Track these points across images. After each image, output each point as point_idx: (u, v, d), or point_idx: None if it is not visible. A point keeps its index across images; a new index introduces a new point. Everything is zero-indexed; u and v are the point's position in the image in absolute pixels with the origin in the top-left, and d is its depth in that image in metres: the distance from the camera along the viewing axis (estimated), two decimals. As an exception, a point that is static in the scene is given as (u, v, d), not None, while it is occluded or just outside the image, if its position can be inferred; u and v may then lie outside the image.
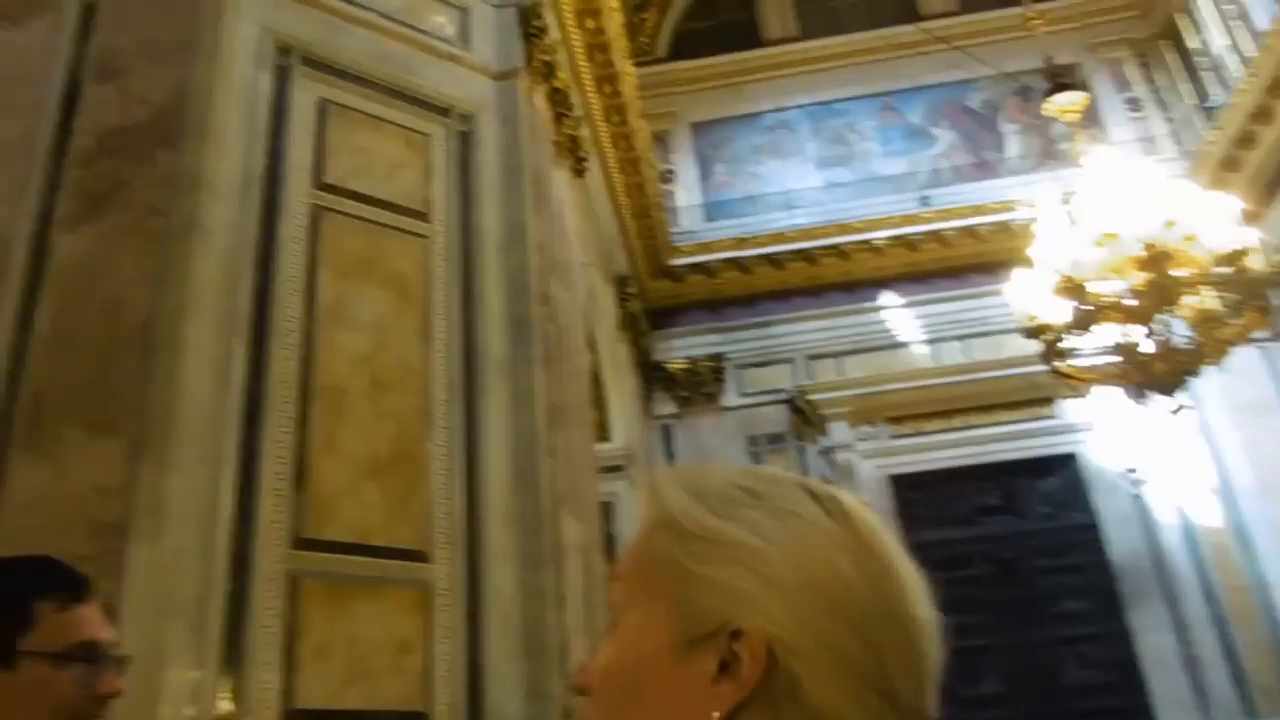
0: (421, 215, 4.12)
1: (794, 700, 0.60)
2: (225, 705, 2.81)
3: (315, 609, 3.13)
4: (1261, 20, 8.40)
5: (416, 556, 3.47)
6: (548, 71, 5.15)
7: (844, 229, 9.76)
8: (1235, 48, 8.96)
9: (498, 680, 3.45)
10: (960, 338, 9.56)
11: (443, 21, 4.64)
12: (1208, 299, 5.65)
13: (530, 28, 4.94)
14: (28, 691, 1.25)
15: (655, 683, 0.64)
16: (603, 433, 7.46)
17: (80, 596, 1.37)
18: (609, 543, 5.81)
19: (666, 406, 9.54)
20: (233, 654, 2.90)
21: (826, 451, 9.15)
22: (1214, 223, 5.47)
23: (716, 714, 0.60)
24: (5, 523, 2.86)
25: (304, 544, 3.21)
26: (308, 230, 3.74)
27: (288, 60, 3.98)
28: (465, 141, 4.44)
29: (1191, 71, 9.87)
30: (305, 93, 4.00)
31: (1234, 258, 5.36)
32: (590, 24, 6.23)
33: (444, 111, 4.41)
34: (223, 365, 3.27)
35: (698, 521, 0.65)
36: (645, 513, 0.70)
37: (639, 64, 8.37)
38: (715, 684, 0.61)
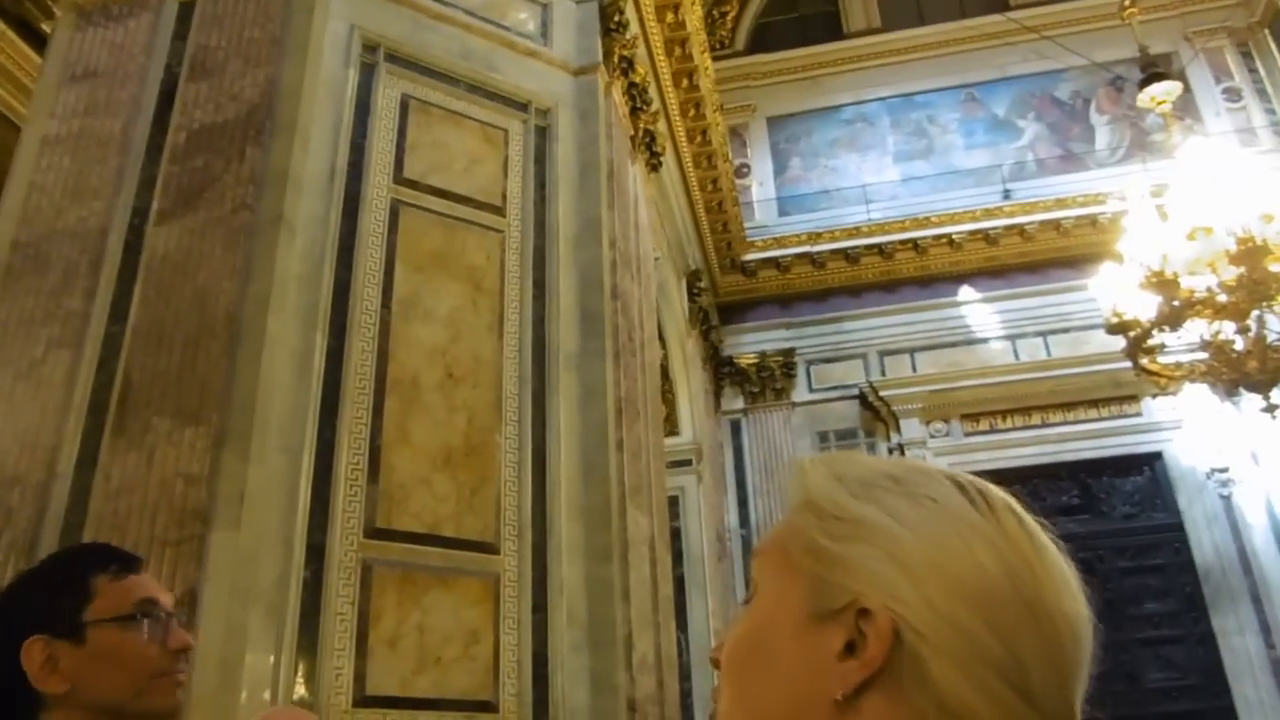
0: (497, 209, 4.18)
1: (919, 683, 0.59)
2: (300, 690, 2.91)
3: (387, 598, 3.21)
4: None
5: (485, 548, 3.53)
6: (626, 66, 5.16)
7: (921, 223, 9.65)
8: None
9: (563, 671, 3.50)
10: (1040, 333, 9.40)
11: (524, 17, 4.68)
12: (1306, 295, 5.47)
13: (610, 23, 4.95)
14: (103, 658, 1.30)
15: (781, 652, 0.65)
16: (671, 427, 7.48)
17: (133, 568, 1.41)
18: (675, 537, 5.85)
19: (735, 401, 9.56)
20: (307, 640, 3.00)
21: (898, 448, 9.07)
22: (1314, 217, 5.27)
23: (840, 692, 0.60)
24: (98, 509, 3.00)
25: (377, 534, 3.30)
26: (387, 224, 3.82)
27: (374, 57, 4.07)
28: (542, 136, 4.48)
29: (1295, 61, 9.48)
30: (389, 89, 4.07)
31: (1334, 253, 5.16)
32: (670, 19, 6.23)
33: (523, 107, 4.46)
34: (304, 357, 3.37)
35: (834, 501, 0.66)
36: (792, 495, 0.71)
37: (717, 58, 8.35)
38: (840, 661, 0.61)
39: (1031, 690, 0.60)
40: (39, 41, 6.52)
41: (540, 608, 3.55)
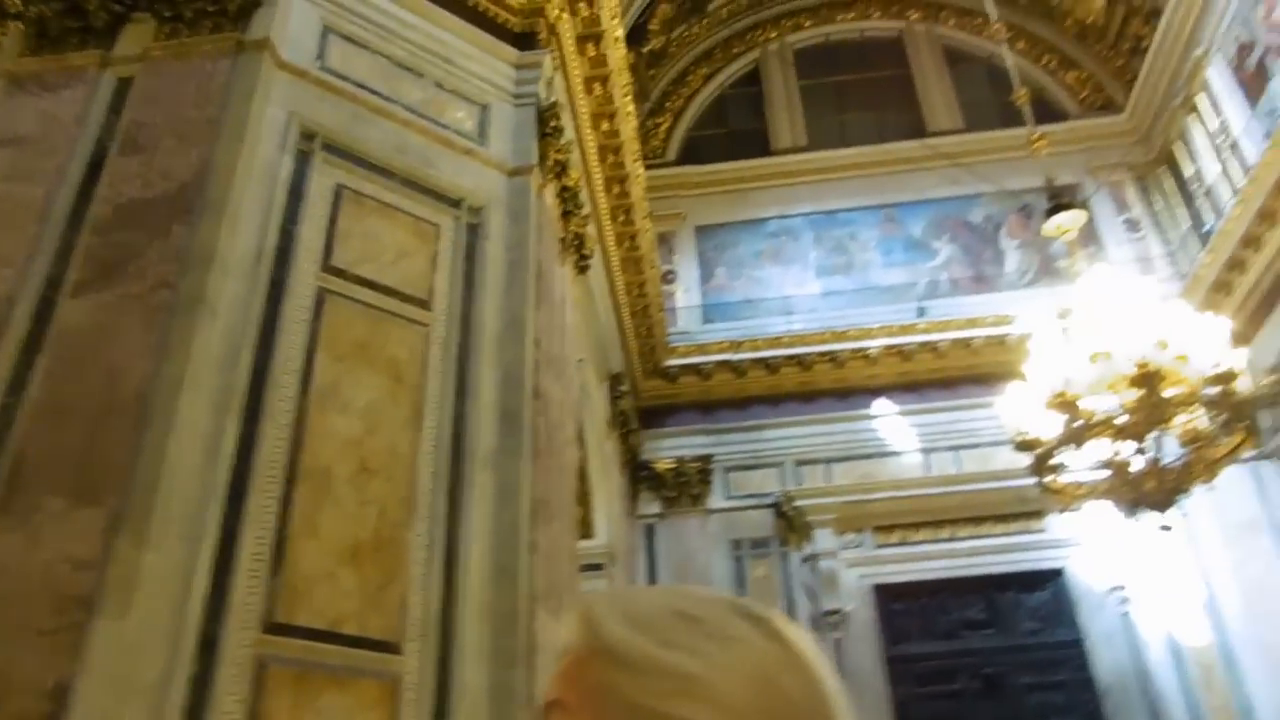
0: (423, 303, 4.19)
1: None
2: (178, 796, 2.75)
3: (280, 698, 3.08)
4: (1250, 153, 8.69)
5: (388, 648, 3.43)
6: (560, 170, 5.27)
7: (839, 336, 9.87)
8: (1227, 177, 9.23)
9: (460, 782, 3.38)
10: (951, 448, 9.58)
11: (462, 116, 4.77)
12: (1198, 418, 5.69)
13: (547, 127, 5.08)
14: None
15: None
16: (585, 529, 7.41)
17: None
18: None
19: (651, 506, 9.49)
20: (191, 741, 2.85)
21: (811, 559, 9.06)
22: (1205, 344, 5.53)
23: None
24: (-28, 592, 2.84)
25: (275, 628, 3.18)
26: (311, 312, 3.80)
27: (310, 145, 4.10)
28: (474, 233, 4.53)
29: (1187, 197, 10.13)
30: (324, 178, 4.10)
31: (1224, 379, 5.38)
32: (605, 126, 6.41)
33: (456, 203, 4.52)
34: (213, 441, 3.29)
35: (643, 653, 0.65)
36: (577, 639, 0.69)
37: (649, 166, 8.59)
38: None
39: None
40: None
41: (440, 714, 3.43)
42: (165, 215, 3.63)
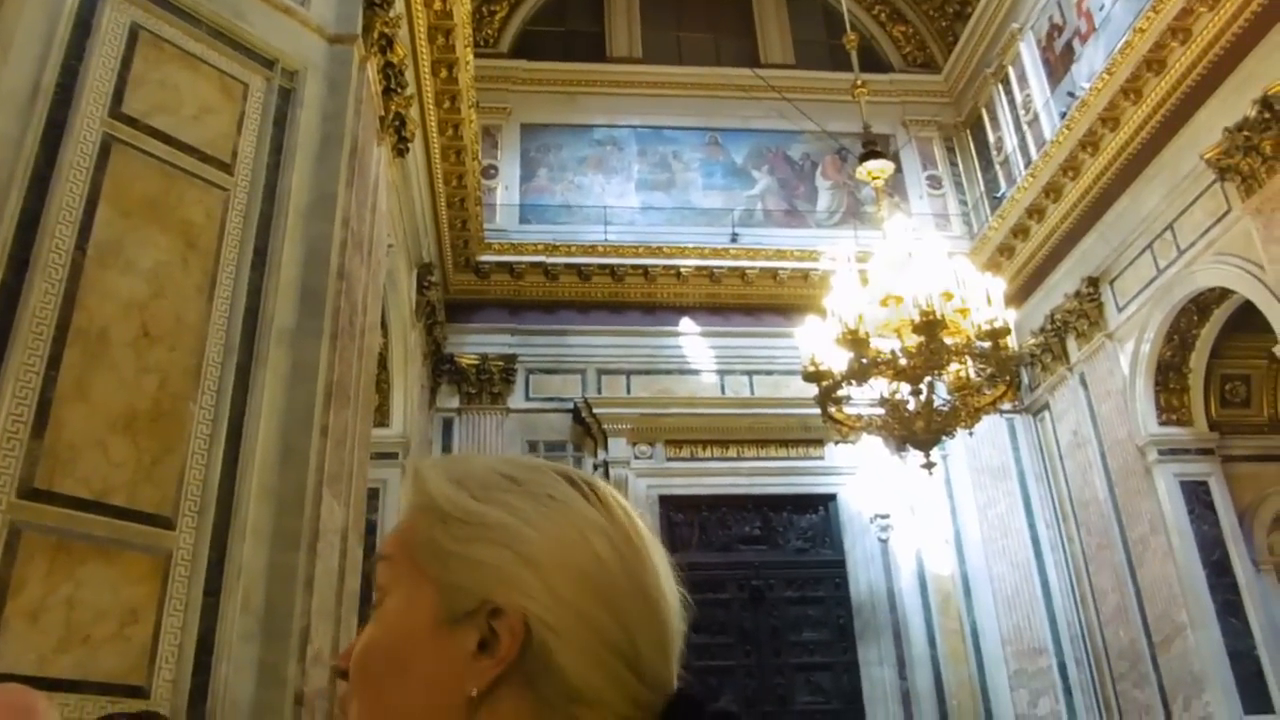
0: (225, 166, 3.92)
1: (547, 672, 0.63)
2: (-89, 662, 2.57)
3: (34, 566, 2.90)
4: (1047, 129, 9.34)
5: (160, 522, 3.28)
6: (385, 44, 5.01)
7: (654, 252, 10.02)
8: (1023, 148, 9.89)
9: (229, 660, 3.31)
10: (746, 372, 9.98)
11: (282, -29, 4.43)
12: (968, 369, 6.15)
13: (375, -3, 4.80)
14: None
15: (416, 659, 0.65)
16: (382, 418, 7.28)
17: None
18: (370, 530, 5.69)
19: (451, 400, 9.46)
20: (-71, 606, 2.65)
21: (603, 465, 9.29)
22: (983, 301, 5.95)
23: (474, 689, 0.62)
24: None
25: (33, 494, 2.98)
26: (94, 160, 3.48)
27: (103, -25, 3.70)
28: (286, 99, 4.25)
29: (986, 162, 10.81)
30: (117, 13, 3.72)
31: (996, 335, 5.79)
32: (437, 6, 6.11)
33: (269, 64, 4.22)
34: (-31, 290, 2.99)
35: (457, 504, 0.67)
36: (409, 498, 0.71)
37: (479, 55, 8.28)
38: (475, 660, 0.63)
39: (641, 665, 0.66)
40: None
41: (213, 591, 3.34)
42: (-78, 30, 3.21)
